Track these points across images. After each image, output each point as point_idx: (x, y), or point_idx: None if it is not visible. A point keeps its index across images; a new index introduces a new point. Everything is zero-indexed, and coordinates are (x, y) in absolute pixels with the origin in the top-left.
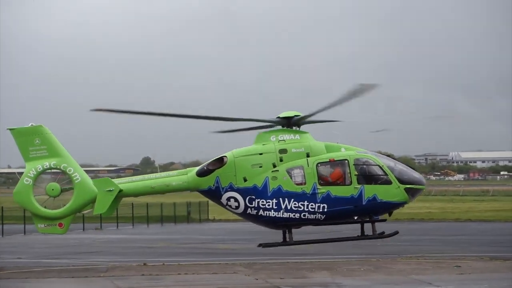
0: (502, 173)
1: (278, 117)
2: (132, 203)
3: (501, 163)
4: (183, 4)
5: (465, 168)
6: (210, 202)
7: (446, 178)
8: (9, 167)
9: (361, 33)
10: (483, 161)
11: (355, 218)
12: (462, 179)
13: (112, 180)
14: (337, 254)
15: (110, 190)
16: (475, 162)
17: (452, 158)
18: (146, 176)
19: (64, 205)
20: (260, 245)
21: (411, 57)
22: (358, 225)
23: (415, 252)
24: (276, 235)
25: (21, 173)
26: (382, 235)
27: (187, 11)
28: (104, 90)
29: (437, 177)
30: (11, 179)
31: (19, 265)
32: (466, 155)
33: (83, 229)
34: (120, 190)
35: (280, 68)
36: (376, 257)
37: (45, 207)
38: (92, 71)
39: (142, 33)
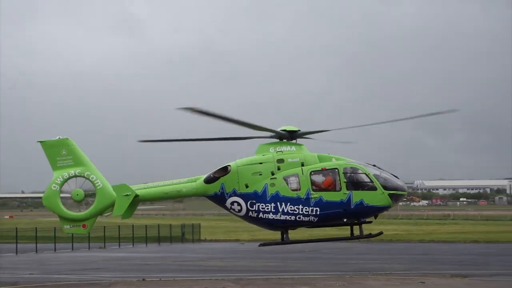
0: (461, 199)
1: (280, 130)
2: (133, 225)
3: (460, 191)
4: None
5: (428, 194)
6: (202, 224)
7: (412, 204)
8: (23, 192)
9: (329, 72)
10: (444, 189)
11: (345, 220)
12: (426, 204)
13: (129, 186)
14: (315, 271)
15: (127, 195)
16: (437, 189)
17: (417, 186)
18: (160, 182)
19: (87, 209)
20: (260, 244)
21: (378, 95)
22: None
23: (384, 270)
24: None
25: (33, 198)
26: (368, 236)
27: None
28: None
29: (404, 203)
30: (24, 203)
31: (32, 280)
32: (429, 183)
33: (89, 248)
34: (136, 195)
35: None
36: (350, 274)
37: (70, 210)
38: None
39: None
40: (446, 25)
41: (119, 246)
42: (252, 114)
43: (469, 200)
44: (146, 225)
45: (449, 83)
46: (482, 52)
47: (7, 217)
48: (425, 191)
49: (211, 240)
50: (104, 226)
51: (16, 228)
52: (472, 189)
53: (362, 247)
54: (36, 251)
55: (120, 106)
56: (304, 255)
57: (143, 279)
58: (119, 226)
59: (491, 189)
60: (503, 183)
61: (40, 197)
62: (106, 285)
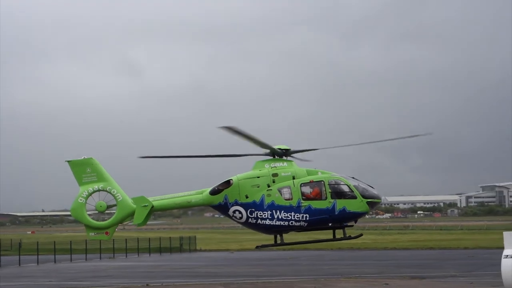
0: (419, 212)
1: (276, 148)
2: (138, 238)
3: (418, 205)
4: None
5: (390, 208)
6: (198, 236)
7: (377, 216)
8: (43, 210)
9: (303, 105)
10: (404, 203)
11: (330, 225)
12: (389, 217)
13: (147, 197)
14: (295, 275)
15: (145, 206)
16: (398, 204)
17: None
18: (172, 195)
19: (109, 218)
20: (257, 247)
21: (345, 124)
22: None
23: (354, 273)
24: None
25: (52, 215)
26: (350, 237)
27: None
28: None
29: (370, 216)
30: (44, 220)
31: (51, 286)
32: (391, 198)
33: (100, 258)
34: (153, 206)
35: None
36: (324, 277)
37: (95, 220)
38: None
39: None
40: (399, 67)
41: (126, 256)
42: (236, 140)
43: (425, 212)
44: (149, 238)
45: (406, 115)
46: (437, 87)
47: (29, 232)
48: (388, 205)
49: (205, 250)
50: (114, 239)
51: (37, 242)
52: (428, 203)
53: (334, 254)
54: (55, 262)
55: (123, 134)
56: (286, 262)
57: (147, 285)
58: (126, 239)
59: (444, 203)
60: (454, 198)
61: (58, 215)
62: None
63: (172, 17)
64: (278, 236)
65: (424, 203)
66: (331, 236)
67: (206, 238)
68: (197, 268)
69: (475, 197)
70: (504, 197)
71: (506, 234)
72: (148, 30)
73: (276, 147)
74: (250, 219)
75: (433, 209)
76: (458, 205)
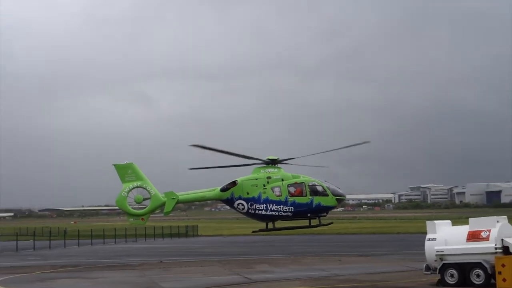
0: (363, 207)
1: (266, 159)
2: (154, 226)
3: (363, 201)
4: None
5: (342, 204)
6: (199, 225)
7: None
8: (83, 206)
9: (278, 132)
10: (353, 200)
11: (309, 215)
12: (341, 210)
13: (175, 192)
14: (272, 254)
15: (173, 198)
16: (348, 200)
17: None
18: (192, 191)
19: (144, 208)
20: (253, 231)
21: (307, 143)
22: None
23: (316, 252)
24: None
25: (91, 210)
26: (323, 224)
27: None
28: None
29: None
30: (83, 213)
31: (88, 263)
32: None
33: (125, 241)
34: (178, 199)
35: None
36: (294, 255)
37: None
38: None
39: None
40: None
41: (145, 240)
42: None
43: (368, 207)
44: (162, 226)
45: (352, 135)
46: (372, 112)
47: (72, 222)
48: None
49: (205, 235)
50: (136, 228)
51: (78, 230)
52: (370, 200)
53: (300, 238)
54: (91, 244)
55: (137, 153)
56: (265, 244)
57: (161, 261)
58: (145, 227)
59: (382, 200)
60: (390, 196)
61: (94, 209)
62: (136, 265)
63: (176, 62)
64: (270, 224)
65: (367, 200)
66: (308, 224)
67: (205, 226)
68: (198, 249)
69: (405, 195)
70: (427, 195)
71: (428, 223)
72: (158, 72)
73: (267, 158)
74: (250, 210)
75: (374, 204)
76: (393, 201)
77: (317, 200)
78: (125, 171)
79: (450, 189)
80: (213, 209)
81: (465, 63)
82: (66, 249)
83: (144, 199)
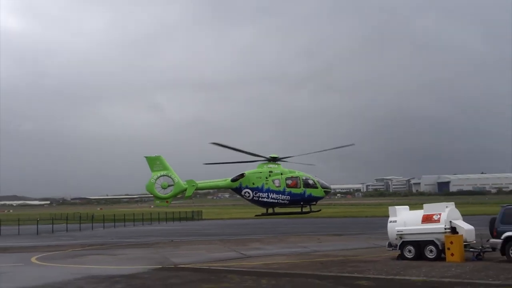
0: (337, 195)
1: (269, 156)
2: (166, 212)
3: (337, 190)
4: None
5: None
6: (203, 211)
7: None
8: (107, 195)
9: (267, 137)
10: None
11: (301, 203)
12: None
13: (195, 180)
14: (262, 234)
15: (193, 185)
16: None
17: None
18: (208, 180)
19: (169, 193)
20: (256, 215)
21: (292, 144)
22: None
23: (298, 232)
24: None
25: (114, 198)
26: (313, 211)
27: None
28: None
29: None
30: (108, 201)
31: (112, 242)
32: None
33: (143, 224)
34: (197, 186)
35: None
36: (281, 235)
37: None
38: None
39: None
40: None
41: (159, 223)
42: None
43: (342, 195)
44: (173, 212)
45: (330, 137)
46: (346, 118)
47: (99, 209)
48: None
49: (208, 219)
50: (151, 212)
51: (103, 215)
52: (343, 189)
53: (286, 221)
54: (114, 227)
55: (149, 150)
56: (257, 226)
57: (172, 240)
58: (158, 212)
59: (353, 189)
60: (359, 186)
61: (117, 198)
62: (151, 243)
63: (181, 76)
64: (270, 209)
65: (341, 189)
66: (300, 210)
67: (209, 211)
68: (202, 230)
69: (371, 185)
70: (389, 185)
71: (390, 208)
72: (167, 84)
73: (270, 155)
74: (254, 197)
75: (346, 193)
76: (361, 190)
77: (309, 191)
78: (154, 162)
79: (408, 180)
80: (215, 198)
81: (421, 76)
82: (93, 231)
83: (169, 186)
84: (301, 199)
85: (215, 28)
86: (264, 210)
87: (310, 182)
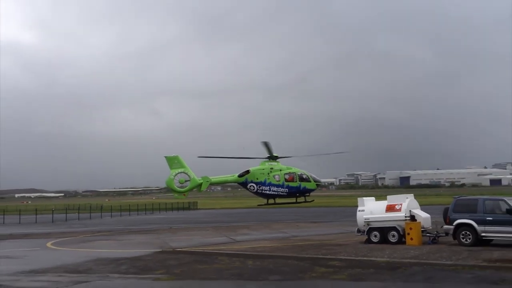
0: None
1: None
2: (166, 202)
3: None
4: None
5: None
6: (198, 201)
7: None
8: (114, 188)
9: (255, 139)
10: None
11: (297, 195)
12: None
13: (209, 176)
14: (249, 221)
15: (207, 181)
16: None
17: None
18: (219, 176)
19: (185, 187)
20: (258, 205)
21: (266, 136)
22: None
23: (281, 220)
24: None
25: (121, 191)
26: (307, 201)
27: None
28: None
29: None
30: (115, 193)
31: (118, 229)
32: None
33: (145, 213)
34: (211, 181)
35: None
36: (266, 222)
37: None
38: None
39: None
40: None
41: (159, 212)
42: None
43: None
44: (172, 203)
45: (306, 138)
46: (311, 123)
47: (107, 200)
48: None
49: (202, 208)
50: (153, 203)
51: (111, 206)
52: None
53: (271, 210)
54: (120, 216)
55: (149, 151)
56: (244, 215)
57: (170, 227)
58: (159, 203)
59: (327, 183)
60: (333, 180)
61: (123, 191)
62: (152, 230)
63: (177, 85)
64: (270, 200)
65: None
66: (295, 201)
67: (203, 202)
68: (197, 218)
69: (343, 180)
70: (358, 179)
71: (359, 199)
72: (165, 92)
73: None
74: (258, 190)
75: (321, 186)
76: (335, 183)
77: (303, 184)
78: (172, 161)
79: (375, 175)
80: (209, 190)
81: (383, 86)
82: (102, 219)
83: (186, 181)
84: (297, 191)
85: (206, 44)
86: (264, 201)
87: (304, 176)
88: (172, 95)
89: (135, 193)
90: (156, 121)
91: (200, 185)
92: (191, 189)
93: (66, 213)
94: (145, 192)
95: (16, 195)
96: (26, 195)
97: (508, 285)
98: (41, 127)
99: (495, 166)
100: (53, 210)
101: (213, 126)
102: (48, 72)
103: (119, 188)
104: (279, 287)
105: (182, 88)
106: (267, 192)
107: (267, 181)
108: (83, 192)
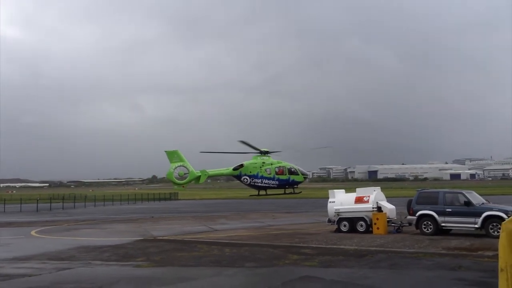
0: None
1: (262, 150)
2: (148, 193)
3: None
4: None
5: None
6: (179, 192)
7: None
8: (98, 179)
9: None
10: None
11: (286, 186)
12: None
13: (207, 170)
14: (227, 211)
15: (205, 174)
16: None
17: None
18: (216, 169)
19: (184, 180)
20: (250, 195)
21: (241, 132)
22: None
23: (258, 210)
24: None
25: (104, 182)
26: (296, 192)
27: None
28: None
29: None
30: (98, 184)
31: (101, 218)
32: None
33: (128, 203)
34: (208, 174)
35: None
36: (243, 212)
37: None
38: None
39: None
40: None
41: (142, 202)
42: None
43: None
44: (153, 193)
45: (287, 134)
46: (295, 120)
47: (90, 190)
48: None
49: (182, 199)
50: (135, 194)
51: (94, 195)
52: None
53: (248, 201)
54: (104, 205)
55: (131, 143)
56: (224, 205)
57: (152, 217)
58: (141, 193)
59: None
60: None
61: (105, 182)
62: (135, 219)
63: (158, 82)
64: (262, 191)
65: None
66: (284, 192)
67: (183, 193)
68: (178, 208)
69: (316, 173)
70: (330, 173)
71: (330, 191)
72: (146, 88)
73: (262, 149)
74: (251, 182)
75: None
76: (309, 177)
77: (292, 177)
78: (172, 155)
79: (345, 169)
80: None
81: (351, 85)
82: (85, 209)
83: (185, 174)
84: (286, 183)
85: (186, 44)
86: (255, 192)
87: (293, 170)
88: (153, 90)
89: (119, 184)
90: (137, 115)
91: (198, 177)
92: (189, 182)
93: (51, 203)
94: (128, 183)
95: (1, 185)
96: (11, 185)
97: (465, 271)
98: (24, 118)
99: (455, 161)
100: (37, 200)
101: (189, 121)
102: (32, 63)
103: (103, 179)
104: (255, 273)
105: (162, 84)
106: (259, 184)
107: (259, 174)
108: (67, 182)
